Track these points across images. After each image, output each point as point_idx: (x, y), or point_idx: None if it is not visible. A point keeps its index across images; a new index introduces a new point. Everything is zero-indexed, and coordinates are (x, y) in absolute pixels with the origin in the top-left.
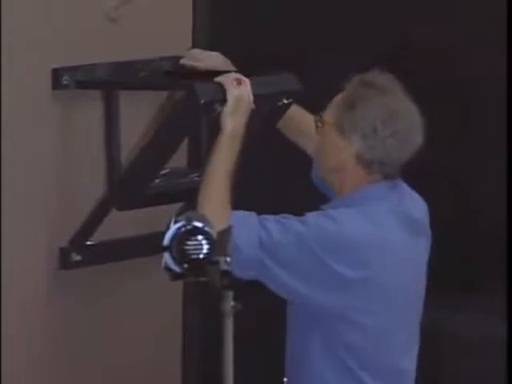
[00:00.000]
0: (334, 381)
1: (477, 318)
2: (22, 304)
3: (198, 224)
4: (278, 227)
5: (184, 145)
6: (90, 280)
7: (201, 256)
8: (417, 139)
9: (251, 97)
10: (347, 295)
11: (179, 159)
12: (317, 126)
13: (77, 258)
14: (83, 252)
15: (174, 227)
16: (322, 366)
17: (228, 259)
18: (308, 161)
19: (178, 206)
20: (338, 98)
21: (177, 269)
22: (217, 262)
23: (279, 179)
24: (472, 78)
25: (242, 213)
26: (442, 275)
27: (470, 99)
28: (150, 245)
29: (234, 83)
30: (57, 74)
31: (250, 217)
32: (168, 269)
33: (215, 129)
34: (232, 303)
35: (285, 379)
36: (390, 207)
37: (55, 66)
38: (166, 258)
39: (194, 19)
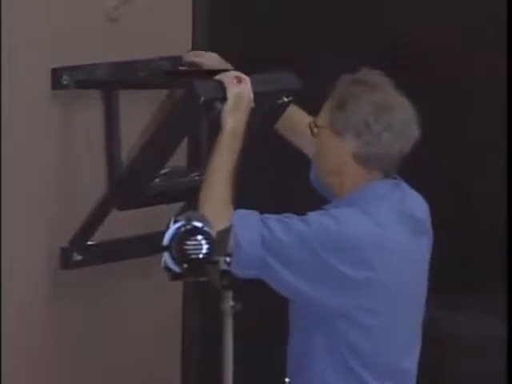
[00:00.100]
0: (335, 380)
1: (477, 318)
2: (23, 304)
3: (198, 224)
4: (281, 226)
5: (184, 144)
6: (90, 280)
7: (200, 256)
8: (413, 131)
9: (251, 95)
10: (350, 295)
11: (179, 158)
12: (312, 132)
13: (78, 257)
14: (84, 252)
15: (173, 227)
16: (323, 366)
17: (228, 259)
18: (308, 160)
19: (178, 205)
20: (329, 101)
21: (176, 269)
22: (216, 262)
23: (280, 178)
24: (472, 78)
25: (244, 211)
26: (442, 275)
27: (470, 99)
28: (150, 245)
29: (234, 81)
30: (56, 73)
31: (252, 215)
32: (168, 269)
33: (215, 127)
34: (232, 303)
35: (287, 379)
36: (392, 207)
37: (55, 65)
38: (166, 257)
39: (193, 19)
